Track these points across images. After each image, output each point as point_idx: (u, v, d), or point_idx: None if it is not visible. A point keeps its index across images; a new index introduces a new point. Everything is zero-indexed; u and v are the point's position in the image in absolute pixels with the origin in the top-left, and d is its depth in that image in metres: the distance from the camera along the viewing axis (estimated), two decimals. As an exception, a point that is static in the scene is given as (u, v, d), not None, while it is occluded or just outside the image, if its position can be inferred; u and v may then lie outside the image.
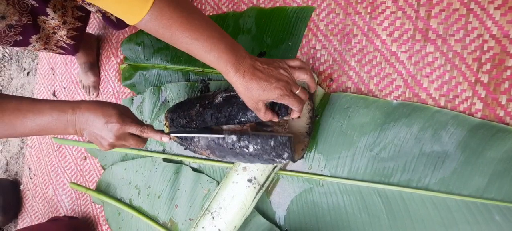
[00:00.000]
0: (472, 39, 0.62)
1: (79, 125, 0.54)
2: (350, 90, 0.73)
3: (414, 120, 0.65)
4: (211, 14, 0.91)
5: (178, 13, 0.47)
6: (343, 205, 0.71)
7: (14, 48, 1.38)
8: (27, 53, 1.34)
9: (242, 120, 0.63)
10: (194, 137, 0.70)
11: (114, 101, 1.07)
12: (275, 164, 0.71)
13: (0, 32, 0.71)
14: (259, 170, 0.72)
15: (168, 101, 0.92)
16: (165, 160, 0.91)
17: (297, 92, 0.54)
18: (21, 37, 0.77)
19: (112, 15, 0.88)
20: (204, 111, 0.68)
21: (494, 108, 0.60)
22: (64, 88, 1.19)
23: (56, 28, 0.82)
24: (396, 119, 0.67)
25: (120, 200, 0.97)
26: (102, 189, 1.02)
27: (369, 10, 0.71)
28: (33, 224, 1.24)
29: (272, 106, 0.59)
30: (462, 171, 0.61)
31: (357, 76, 0.73)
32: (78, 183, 1.12)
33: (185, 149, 0.83)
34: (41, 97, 1.26)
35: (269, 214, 0.79)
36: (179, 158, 0.89)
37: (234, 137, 0.63)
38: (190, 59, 0.91)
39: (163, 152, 0.92)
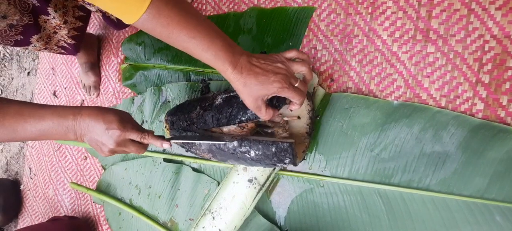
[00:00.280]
0: (473, 40, 0.62)
1: (80, 130, 0.54)
2: (350, 90, 0.73)
3: (415, 120, 0.65)
4: (211, 14, 0.91)
5: (176, 12, 0.47)
6: (343, 205, 0.71)
7: (15, 48, 1.38)
8: (28, 53, 1.34)
9: (243, 119, 0.63)
10: (195, 142, 0.70)
11: (114, 101, 1.07)
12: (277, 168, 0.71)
13: (1, 31, 0.71)
14: (260, 170, 0.72)
15: (169, 101, 0.92)
16: (165, 160, 0.91)
17: (296, 84, 0.54)
18: (22, 37, 0.77)
19: (112, 14, 0.88)
20: (204, 113, 0.68)
21: (495, 109, 0.60)
22: (65, 88, 1.20)
23: (57, 27, 0.82)
24: (397, 119, 0.67)
25: (120, 200, 0.97)
26: (102, 189, 1.02)
27: (370, 10, 0.71)
28: (33, 224, 1.24)
29: (271, 101, 0.58)
30: (463, 172, 0.61)
31: (357, 76, 0.72)
32: (79, 183, 1.12)
33: (187, 151, 0.83)
34: (42, 97, 1.26)
35: (269, 214, 0.79)
36: (180, 158, 0.89)
37: (235, 143, 0.63)
38: (190, 59, 0.91)
39: (164, 152, 0.92)
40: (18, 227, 1.30)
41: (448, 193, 0.62)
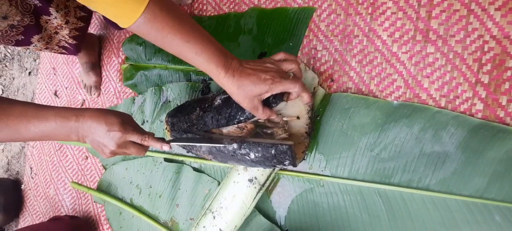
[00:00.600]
0: (473, 40, 0.62)
1: (82, 132, 0.55)
2: (350, 90, 0.73)
3: (415, 120, 0.65)
4: (212, 14, 0.92)
5: (170, 17, 0.49)
6: (343, 205, 0.71)
7: (16, 48, 1.39)
8: (29, 53, 1.34)
9: (241, 119, 0.63)
10: (195, 145, 0.70)
11: (115, 101, 1.08)
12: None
13: (2, 32, 0.72)
14: (260, 170, 0.72)
15: (169, 101, 0.92)
16: (166, 159, 0.91)
17: (289, 66, 0.56)
18: (23, 37, 0.77)
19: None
20: (204, 114, 0.69)
21: (494, 109, 0.60)
22: (66, 88, 1.20)
23: (59, 27, 0.83)
24: (397, 119, 0.67)
25: (121, 200, 0.98)
26: (103, 189, 1.02)
27: (370, 11, 0.71)
28: (34, 223, 1.24)
29: (267, 100, 0.59)
30: (463, 171, 0.61)
31: (358, 76, 0.73)
32: (79, 182, 1.12)
33: (188, 152, 0.83)
34: (43, 97, 1.26)
35: (269, 213, 0.79)
36: (180, 158, 0.89)
37: (235, 145, 0.63)
38: (191, 60, 0.92)
39: (164, 151, 0.93)
40: (19, 227, 1.30)
41: (448, 193, 0.62)
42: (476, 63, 0.62)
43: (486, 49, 0.61)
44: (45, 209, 1.22)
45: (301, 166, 0.76)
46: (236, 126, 0.66)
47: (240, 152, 0.64)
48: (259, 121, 0.68)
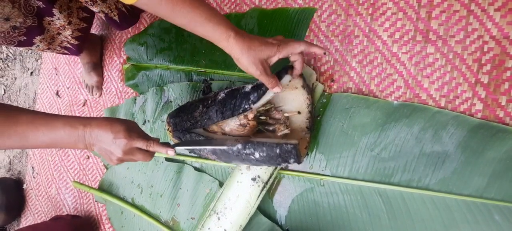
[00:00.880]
0: (473, 40, 0.62)
1: (89, 140, 0.56)
2: (351, 90, 0.74)
3: (415, 120, 0.66)
4: (213, 15, 0.92)
5: None
6: (344, 205, 0.71)
7: (18, 48, 1.39)
8: (31, 53, 1.35)
9: (246, 107, 0.64)
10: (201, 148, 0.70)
11: (117, 101, 1.08)
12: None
13: (4, 33, 0.72)
14: (263, 168, 0.73)
15: (171, 101, 0.93)
16: (167, 159, 0.91)
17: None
18: (25, 38, 0.78)
19: (115, 15, 0.89)
20: (208, 110, 0.69)
21: (494, 109, 0.61)
22: (67, 88, 1.20)
23: (61, 28, 0.83)
24: (397, 119, 0.67)
25: (122, 199, 0.98)
26: (104, 188, 1.02)
27: (370, 11, 0.71)
28: (36, 222, 1.24)
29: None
30: (462, 171, 0.61)
31: (358, 77, 0.73)
32: (81, 182, 1.13)
33: (190, 153, 0.84)
34: (45, 97, 1.27)
35: (270, 213, 0.79)
36: (181, 158, 0.90)
37: (239, 146, 0.63)
38: (192, 60, 0.92)
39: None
40: (21, 226, 1.31)
41: (448, 193, 0.62)
42: (475, 63, 0.62)
43: (485, 49, 0.61)
44: (47, 209, 1.23)
45: (302, 165, 0.76)
46: (238, 123, 0.66)
47: (245, 151, 0.64)
48: (261, 118, 0.68)
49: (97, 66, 1.10)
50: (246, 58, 0.55)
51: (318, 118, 0.75)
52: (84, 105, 1.16)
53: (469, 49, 0.63)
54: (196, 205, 0.86)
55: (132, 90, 1.04)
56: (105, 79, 1.12)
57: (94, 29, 1.14)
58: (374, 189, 0.68)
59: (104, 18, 0.88)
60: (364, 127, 0.70)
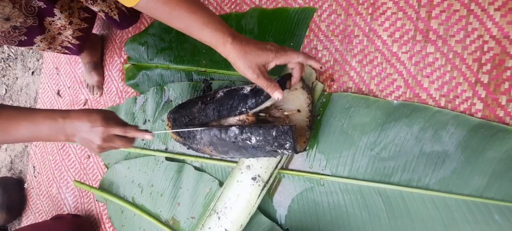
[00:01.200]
0: (473, 40, 0.62)
1: (69, 131, 0.59)
2: (351, 90, 0.74)
3: (415, 120, 0.66)
4: (213, 14, 0.92)
5: None
6: (343, 204, 0.71)
7: (19, 48, 1.40)
8: (32, 53, 1.35)
9: (243, 110, 0.64)
10: (196, 135, 0.71)
11: (117, 100, 1.09)
12: (278, 156, 0.71)
13: (5, 33, 0.72)
14: (263, 168, 0.73)
15: (171, 100, 0.93)
16: (167, 158, 0.92)
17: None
18: (25, 38, 0.78)
19: (115, 14, 0.89)
20: (206, 107, 0.69)
21: (494, 109, 0.61)
22: (68, 87, 1.21)
23: (62, 28, 0.84)
24: (397, 118, 0.67)
25: (123, 198, 0.98)
26: (105, 187, 1.03)
27: (370, 11, 0.71)
28: (37, 221, 1.25)
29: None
30: (462, 171, 0.61)
31: (358, 76, 0.73)
32: (82, 181, 1.13)
33: (188, 149, 0.84)
34: (46, 97, 1.27)
35: (270, 212, 0.80)
36: (182, 157, 0.90)
37: (236, 130, 0.64)
38: (192, 60, 0.92)
39: (166, 151, 0.93)
40: (22, 225, 1.31)
41: (448, 192, 0.62)
42: (475, 63, 0.62)
43: (485, 49, 0.61)
44: (47, 208, 1.23)
45: (302, 165, 0.76)
46: (237, 118, 0.67)
47: (242, 137, 0.64)
48: (260, 115, 0.68)
49: (98, 66, 1.10)
50: (242, 62, 0.55)
51: (318, 117, 0.75)
52: (85, 105, 1.16)
53: (469, 49, 0.62)
54: (196, 205, 0.86)
55: (132, 90, 1.05)
56: (105, 79, 1.12)
57: (95, 29, 1.14)
58: (374, 189, 0.68)
59: (104, 17, 0.88)
60: (364, 126, 0.70)
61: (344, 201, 0.71)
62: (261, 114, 0.68)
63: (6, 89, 1.44)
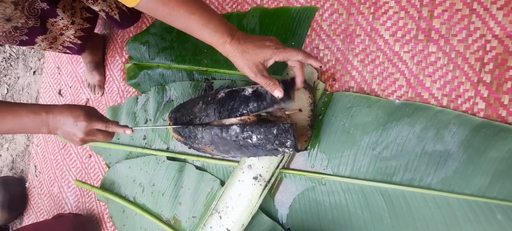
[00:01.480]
0: (475, 39, 0.62)
1: (53, 124, 0.62)
2: (352, 90, 0.74)
3: (417, 119, 0.66)
4: (215, 14, 0.92)
5: None
6: (345, 204, 0.71)
7: (21, 47, 1.40)
8: (34, 52, 1.36)
9: (244, 112, 0.64)
10: (197, 134, 0.71)
11: (119, 100, 1.09)
12: (279, 155, 0.71)
13: (6, 32, 0.73)
14: (264, 167, 0.73)
15: (172, 100, 0.93)
16: (169, 158, 0.92)
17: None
18: (27, 37, 0.78)
19: (115, 14, 0.89)
20: (207, 107, 0.69)
21: (496, 108, 0.61)
22: (70, 87, 1.21)
23: (64, 28, 0.84)
24: (399, 118, 0.67)
25: (124, 198, 0.98)
26: (106, 187, 1.03)
27: (372, 10, 0.71)
28: (38, 220, 1.25)
29: (274, 100, 0.60)
30: (464, 170, 0.61)
31: (359, 76, 0.73)
32: (83, 180, 1.13)
33: (189, 148, 0.84)
34: (47, 96, 1.28)
35: (272, 212, 0.80)
36: (183, 157, 0.90)
37: (237, 129, 0.64)
38: (194, 59, 0.92)
39: (167, 150, 0.93)
40: (23, 224, 1.31)
41: (450, 192, 0.62)
42: (478, 62, 0.62)
43: (488, 48, 0.61)
44: (49, 207, 1.24)
45: (303, 164, 0.76)
46: (239, 118, 0.66)
47: (243, 135, 0.64)
48: (262, 114, 0.68)
49: (99, 66, 1.10)
50: (241, 61, 0.56)
51: (320, 117, 0.75)
52: (86, 104, 1.17)
53: (471, 48, 0.62)
54: (198, 204, 0.86)
55: (134, 90, 1.05)
56: (107, 78, 1.12)
57: (97, 29, 1.14)
58: (375, 188, 0.68)
59: (105, 17, 0.88)
60: (366, 126, 0.70)
61: (345, 201, 0.71)
62: (262, 113, 0.68)
63: (7, 89, 1.44)
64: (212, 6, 0.93)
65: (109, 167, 1.04)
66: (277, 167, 0.74)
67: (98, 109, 0.68)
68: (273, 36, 0.60)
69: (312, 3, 0.79)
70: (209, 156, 0.85)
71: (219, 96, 0.69)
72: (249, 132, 0.63)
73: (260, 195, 0.73)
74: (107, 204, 1.04)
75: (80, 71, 1.18)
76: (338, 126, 0.73)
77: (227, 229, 0.74)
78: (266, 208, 0.80)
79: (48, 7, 0.74)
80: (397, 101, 0.68)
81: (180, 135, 0.75)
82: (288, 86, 0.60)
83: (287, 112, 0.69)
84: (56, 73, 1.25)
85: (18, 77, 1.41)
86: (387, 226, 0.67)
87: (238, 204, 0.74)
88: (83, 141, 0.64)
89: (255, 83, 0.70)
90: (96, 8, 0.83)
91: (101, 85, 1.12)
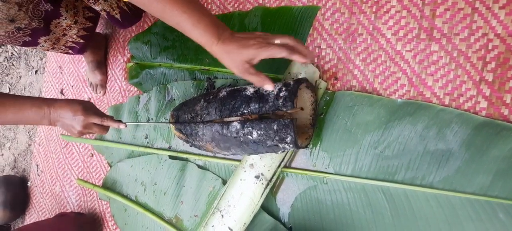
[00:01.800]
0: (477, 38, 0.62)
1: (53, 117, 0.68)
2: (354, 88, 0.74)
3: (419, 118, 0.66)
4: (217, 13, 0.92)
5: None
6: (347, 203, 0.71)
7: (23, 47, 1.40)
8: (36, 52, 1.36)
9: (245, 112, 0.64)
10: (198, 132, 0.71)
11: (120, 99, 1.09)
12: (280, 152, 0.71)
13: (9, 33, 0.73)
14: (266, 166, 0.73)
15: (174, 99, 0.93)
16: (171, 157, 0.92)
17: (277, 41, 0.57)
18: (30, 38, 0.78)
19: (116, 13, 0.90)
20: (208, 105, 0.70)
21: (498, 107, 0.61)
22: (72, 86, 1.21)
23: (67, 28, 0.84)
24: (401, 117, 0.67)
25: (126, 197, 0.99)
26: (108, 186, 1.03)
27: (374, 9, 0.71)
28: (40, 219, 1.25)
29: (277, 104, 0.60)
30: (466, 169, 0.61)
31: (361, 75, 0.73)
32: (85, 179, 1.13)
33: (191, 146, 0.84)
34: (49, 95, 1.28)
35: (273, 211, 0.80)
36: (185, 155, 0.90)
37: (238, 125, 0.65)
38: (196, 58, 0.93)
39: (169, 149, 0.93)
40: (25, 223, 1.32)
41: (452, 191, 0.62)
42: (480, 61, 0.62)
43: (490, 47, 0.61)
44: (51, 206, 1.24)
45: (305, 163, 0.76)
46: (240, 117, 0.67)
47: (243, 131, 0.65)
48: (263, 113, 0.68)
49: (101, 65, 1.11)
50: (227, 61, 0.57)
51: (322, 116, 0.75)
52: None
53: (473, 47, 0.62)
54: (200, 203, 0.86)
55: (135, 89, 1.05)
56: (109, 77, 1.12)
57: (99, 28, 1.14)
58: (377, 187, 0.68)
59: (106, 16, 0.88)
60: (368, 124, 0.70)
61: (347, 200, 0.71)
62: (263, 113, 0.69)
63: (9, 88, 1.44)
64: (214, 6, 0.93)
65: (111, 166, 1.05)
66: (279, 166, 0.74)
67: (100, 109, 0.70)
68: (260, 31, 0.61)
69: (314, 2, 0.79)
70: (211, 155, 0.85)
71: (221, 95, 0.69)
72: (250, 128, 0.64)
73: (262, 194, 0.74)
74: (109, 203, 1.04)
75: (82, 71, 1.19)
76: (340, 125, 0.73)
77: (229, 228, 0.74)
78: (268, 207, 0.80)
79: (52, 8, 0.74)
80: (399, 100, 0.68)
81: (181, 133, 0.76)
82: (291, 91, 0.60)
83: (288, 111, 0.69)
84: (58, 73, 1.25)
85: (20, 77, 1.41)
86: (389, 225, 0.67)
87: (240, 202, 0.74)
88: (81, 133, 0.70)
89: None
90: (97, 7, 0.83)
91: (103, 85, 1.12)
